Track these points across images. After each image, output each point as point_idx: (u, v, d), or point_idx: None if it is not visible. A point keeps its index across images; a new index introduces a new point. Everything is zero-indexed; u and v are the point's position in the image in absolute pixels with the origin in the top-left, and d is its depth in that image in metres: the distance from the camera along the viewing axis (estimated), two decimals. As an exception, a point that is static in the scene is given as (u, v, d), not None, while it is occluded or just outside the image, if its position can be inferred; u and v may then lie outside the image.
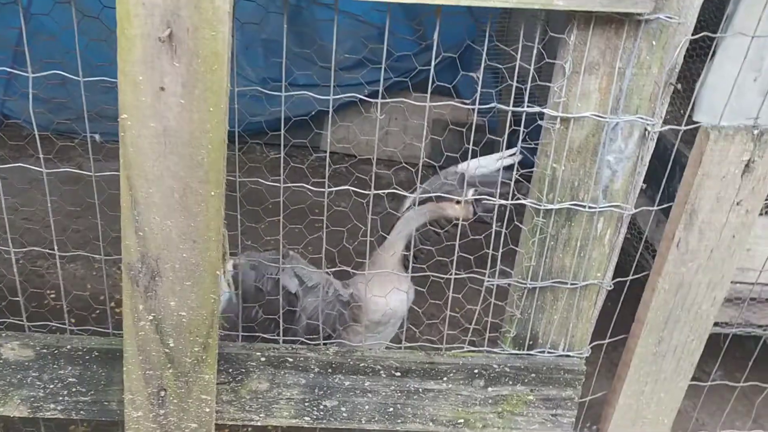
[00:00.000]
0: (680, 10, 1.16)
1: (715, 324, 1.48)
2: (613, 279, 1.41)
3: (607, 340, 1.54)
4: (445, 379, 1.42)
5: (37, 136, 1.23)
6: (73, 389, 1.37)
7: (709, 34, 1.25)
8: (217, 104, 1.11)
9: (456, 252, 1.36)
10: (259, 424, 1.44)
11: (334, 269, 1.61)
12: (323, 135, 4.85)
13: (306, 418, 1.44)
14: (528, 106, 1.20)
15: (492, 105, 1.21)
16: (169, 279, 1.23)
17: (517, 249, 1.37)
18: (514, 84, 1.20)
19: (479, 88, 1.22)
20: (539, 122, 1.22)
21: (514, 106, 1.24)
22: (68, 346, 1.34)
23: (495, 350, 1.45)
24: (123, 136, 1.12)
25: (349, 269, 1.48)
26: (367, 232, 2.06)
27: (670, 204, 1.39)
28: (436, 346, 1.43)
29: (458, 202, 1.91)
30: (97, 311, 3.04)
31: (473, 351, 1.44)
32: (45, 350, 1.34)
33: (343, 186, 1.30)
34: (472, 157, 1.30)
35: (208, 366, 1.32)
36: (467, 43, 3.83)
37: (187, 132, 1.12)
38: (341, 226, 1.64)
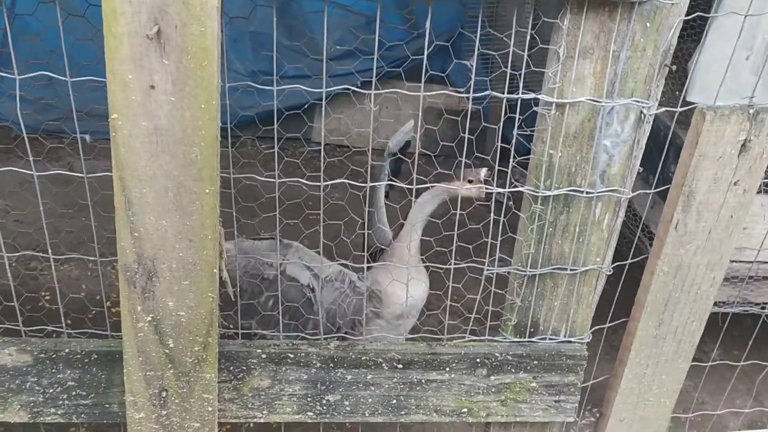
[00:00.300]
0: (673, -10, 1.15)
1: (714, 303, 1.48)
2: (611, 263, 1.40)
3: (607, 324, 1.54)
4: (447, 369, 1.42)
5: (26, 138, 1.21)
6: (73, 393, 1.35)
7: (703, 14, 1.24)
8: (209, 101, 1.09)
9: (455, 242, 1.36)
10: (262, 421, 1.43)
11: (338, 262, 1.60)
12: (315, 127, 4.83)
13: (309, 414, 1.43)
14: (523, 93, 1.19)
15: (487, 93, 1.20)
16: (166, 279, 1.22)
17: (515, 237, 1.36)
18: (508, 71, 1.19)
19: (473, 76, 1.20)
20: (534, 108, 1.21)
21: (505, 92, 1.23)
22: (66, 350, 1.33)
23: (497, 339, 1.45)
24: (114, 136, 1.10)
25: (347, 262, 1.47)
26: (364, 225, 2.06)
27: (667, 186, 1.39)
28: (438, 336, 1.43)
29: (470, 181, 1.90)
30: (93, 312, 3.02)
31: (475, 340, 1.43)
32: (43, 355, 1.32)
33: (339, 180, 1.29)
34: (468, 147, 1.28)
35: (209, 365, 1.31)
36: (459, 31, 3.81)
37: (179, 130, 1.10)
38: (338, 219, 1.63)
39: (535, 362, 1.42)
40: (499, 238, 1.35)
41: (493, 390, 1.44)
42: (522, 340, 1.44)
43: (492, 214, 1.36)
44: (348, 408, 1.43)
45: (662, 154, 1.68)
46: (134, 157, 1.12)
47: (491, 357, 1.42)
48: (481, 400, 1.45)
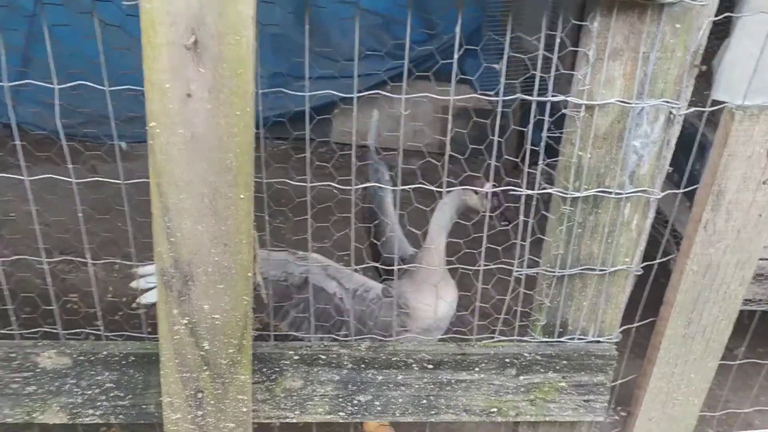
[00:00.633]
0: (703, -9, 1.15)
1: (740, 302, 1.48)
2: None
3: (635, 324, 1.55)
4: (476, 369, 1.43)
5: (65, 146, 1.24)
6: (111, 394, 1.38)
7: (731, 14, 1.25)
8: (244, 108, 1.11)
9: (484, 243, 1.37)
10: (294, 421, 1.45)
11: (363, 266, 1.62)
12: (333, 126, 4.85)
13: (341, 414, 1.45)
14: (552, 95, 1.20)
15: (516, 96, 1.21)
16: (201, 283, 1.25)
17: (543, 238, 1.37)
18: (538, 73, 1.20)
19: (502, 79, 1.21)
20: (564, 111, 1.22)
21: (527, 93, 1.24)
22: (105, 352, 1.36)
23: (525, 339, 1.46)
24: (152, 144, 1.12)
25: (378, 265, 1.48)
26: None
27: (694, 186, 1.39)
28: (467, 337, 1.44)
29: (476, 192, 1.89)
30: (120, 313, 3.06)
31: (504, 341, 1.45)
32: (82, 357, 1.36)
33: (369, 183, 1.30)
34: (496, 147, 1.29)
35: (243, 366, 1.33)
36: (486, 34, 3.81)
37: (215, 137, 1.12)
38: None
39: (564, 362, 1.43)
40: (528, 239, 1.36)
41: (522, 390, 1.45)
42: (551, 340, 1.45)
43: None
44: (379, 408, 1.45)
45: (686, 152, 1.68)
46: (171, 164, 1.14)
47: (520, 357, 1.43)
48: (510, 399, 1.46)
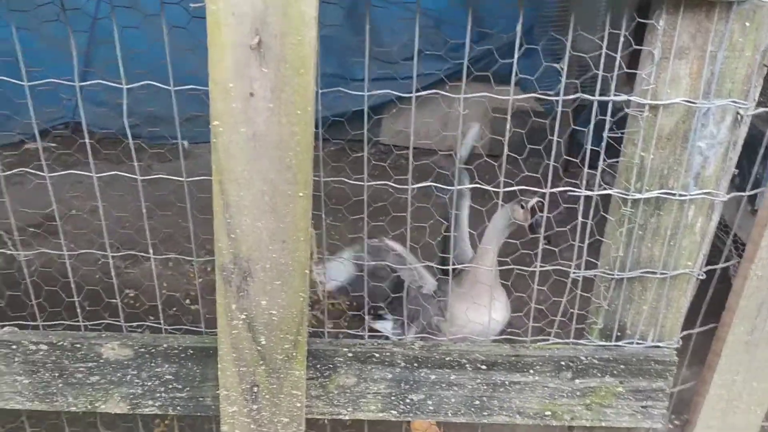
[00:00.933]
0: (775, -12, 1.11)
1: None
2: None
3: (696, 330, 1.51)
4: (531, 371, 1.41)
5: (131, 145, 1.28)
6: (170, 386, 1.42)
7: (804, 11, 1.20)
8: (305, 107, 1.13)
9: (540, 244, 1.35)
10: (347, 418, 1.46)
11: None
12: (382, 126, 4.86)
13: (393, 412, 1.46)
14: (614, 95, 1.18)
15: (577, 95, 1.19)
16: (260, 279, 1.27)
17: (602, 239, 1.35)
18: (600, 72, 1.18)
19: (563, 80, 1.20)
20: (626, 110, 1.20)
21: (596, 94, 1.22)
22: (165, 345, 1.39)
23: (582, 342, 1.43)
24: (215, 142, 1.15)
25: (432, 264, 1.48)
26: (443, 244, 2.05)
27: (761, 189, 1.35)
28: (522, 338, 1.43)
29: (522, 207, 1.89)
30: (174, 308, 3.15)
31: (559, 343, 1.43)
32: (143, 349, 1.39)
33: (425, 183, 1.30)
34: (555, 148, 1.28)
35: (298, 362, 1.35)
36: (548, 33, 3.77)
37: (275, 135, 1.14)
38: (421, 221, 1.64)
39: (622, 366, 1.40)
40: (586, 241, 1.34)
41: (577, 393, 1.43)
42: (608, 343, 1.42)
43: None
44: (431, 407, 1.45)
45: (748, 154, 1.63)
46: (233, 162, 1.16)
47: (576, 360, 1.41)
48: (565, 403, 1.44)
